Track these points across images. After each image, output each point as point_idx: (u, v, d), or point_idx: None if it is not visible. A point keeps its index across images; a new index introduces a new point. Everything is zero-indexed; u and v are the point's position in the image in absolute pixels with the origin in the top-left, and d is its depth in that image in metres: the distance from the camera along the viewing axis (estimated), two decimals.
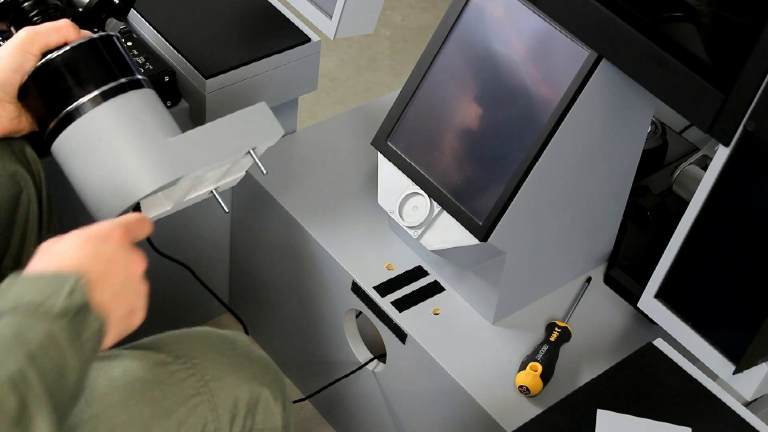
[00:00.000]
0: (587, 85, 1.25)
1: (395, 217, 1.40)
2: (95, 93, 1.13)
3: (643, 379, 1.24)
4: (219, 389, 1.03)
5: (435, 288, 1.48)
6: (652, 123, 1.63)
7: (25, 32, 1.14)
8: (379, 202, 1.42)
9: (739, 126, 1.11)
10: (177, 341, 1.06)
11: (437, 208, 1.36)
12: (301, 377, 1.72)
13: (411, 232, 1.39)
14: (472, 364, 1.39)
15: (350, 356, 1.56)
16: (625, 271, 1.51)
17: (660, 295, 1.26)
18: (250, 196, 1.63)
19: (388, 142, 1.40)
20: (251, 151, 1.21)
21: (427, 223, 1.37)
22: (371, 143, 1.43)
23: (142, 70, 1.24)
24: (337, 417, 1.68)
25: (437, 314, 1.46)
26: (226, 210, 1.27)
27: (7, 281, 0.88)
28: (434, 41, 1.38)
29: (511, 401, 1.35)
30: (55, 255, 0.90)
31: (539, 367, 1.36)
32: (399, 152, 1.39)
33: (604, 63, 1.24)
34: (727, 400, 1.21)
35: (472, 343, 1.42)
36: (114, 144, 1.13)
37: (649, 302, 1.27)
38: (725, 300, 1.19)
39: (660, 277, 1.25)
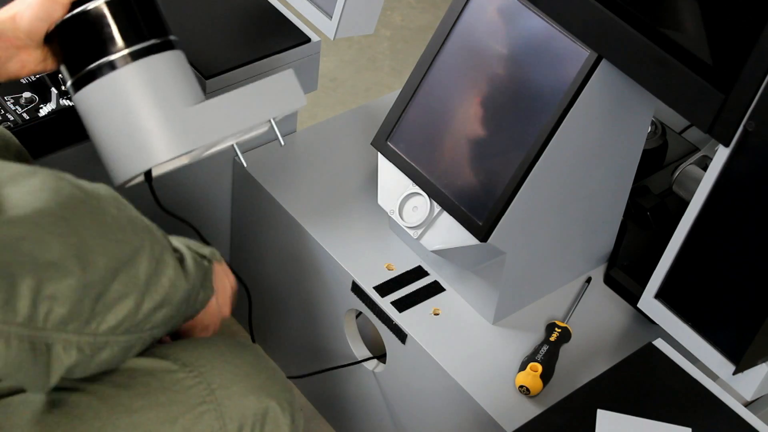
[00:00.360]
0: (587, 85, 1.25)
1: (395, 217, 1.40)
2: (121, 54, 1.11)
3: (643, 379, 1.24)
4: (226, 398, 1.03)
5: (435, 288, 1.48)
6: (652, 123, 1.63)
7: None
8: (379, 202, 1.42)
9: (739, 126, 1.11)
10: (184, 349, 1.05)
11: (437, 208, 1.36)
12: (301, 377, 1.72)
13: (411, 232, 1.39)
14: (472, 364, 1.39)
15: (350, 356, 1.56)
16: (625, 271, 1.51)
17: (660, 295, 1.26)
18: (249, 197, 1.63)
19: (388, 142, 1.40)
20: (271, 120, 1.20)
21: (427, 223, 1.37)
22: (371, 143, 1.43)
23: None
24: (337, 417, 1.68)
25: (437, 314, 1.46)
26: (245, 164, 1.27)
27: None
28: (434, 41, 1.38)
29: (511, 401, 1.35)
30: None
31: (539, 367, 1.36)
32: (399, 152, 1.39)
33: (604, 63, 1.24)
34: (727, 400, 1.21)
35: (472, 343, 1.42)
36: (134, 108, 1.11)
37: (649, 302, 1.27)
38: (725, 300, 1.19)
39: (660, 277, 1.25)
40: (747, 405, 1.34)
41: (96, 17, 1.12)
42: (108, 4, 1.12)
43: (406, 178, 1.39)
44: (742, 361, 1.19)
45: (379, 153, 1.42)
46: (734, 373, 1.20)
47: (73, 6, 1.12)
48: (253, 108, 1.19)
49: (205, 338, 1.08)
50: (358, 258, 1.50)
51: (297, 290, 1.63)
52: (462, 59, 1.36)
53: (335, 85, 2.44)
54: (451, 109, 1.36)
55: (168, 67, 1.13)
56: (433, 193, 1.36)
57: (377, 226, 1.54)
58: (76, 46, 1.13)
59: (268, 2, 1.68)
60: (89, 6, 1.11)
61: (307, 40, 1.63)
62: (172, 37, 1.16)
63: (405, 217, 1.39)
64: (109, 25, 1.12)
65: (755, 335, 1.16)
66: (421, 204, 1.38)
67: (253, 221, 1.66)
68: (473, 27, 1.35)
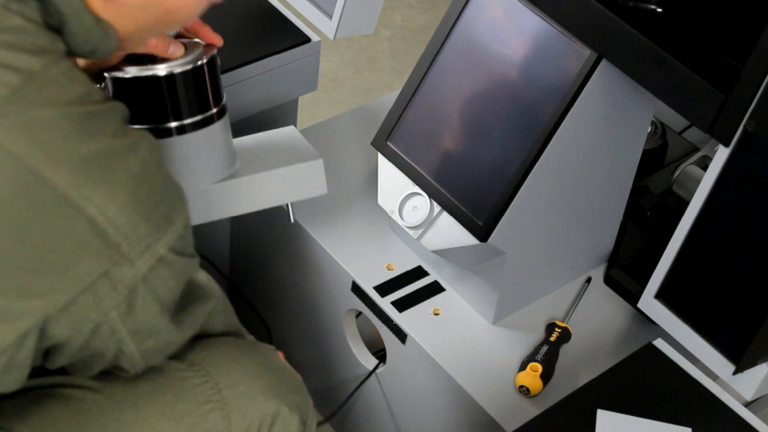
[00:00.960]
0: (587, 85, 1.25)
1: (395, 217, 1.40)
2: (163, 126, 1.13)
3: (643, 379, 1.24)
4: (232, 398, 1.03)
5: (435, 288, 1.48)
6: (652, 123, 1.63)
7: None
8: (379, 202, 1.42)
9: (739, 126, 1.11)
10: (191, 348, 1.05)
11: (437, 208, 1.36)
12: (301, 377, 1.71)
13: (411, 232, 1.39)
14: (472, 364, 1.39)
15: (351, 356, 1.56)
16: (625, 271, 1.51)
17: (660, 295, 1.26)
18: None
19: (388, 142, 1.40)
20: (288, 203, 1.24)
21: (427, 223, 1.37)
22: (371, 143, 1.43)
23: (224, 100, 1.20)
24: (336, 416, 1.68)
25: (437, 314, 1.46)
26: (292, 219, 1.31)
27: None
28: (434, 41, 1.38)
29: (511, 401, 1.35)
30: None
31: (539, 367, 1.36)
32: (399, 152, 1.39)
33: (604, 63, 1.24)
34: (727, 400, 1.21)
35: (472, 343, 1.42)
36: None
37: (649, 302, 1.27)
38: (725, 300, 1.19)
39: (660, 277, 1.25)
40: (747, 405, 1.34)
41: (151, 84, 1.12)
42: (167, 77, 1.12)
43: (406, 178, 1.39)
44: (742, 361, 1.19)
45: (379, 153, 1.42)
46: (734, 373, 1.20)
47: (127, 61, 1.11)
48: (274, 193, 1.24)
49: (215, 338, 1.08)
50: (358, 258, 1.50)
51: (297, 290, 1.63)
52: (462, 59, 1.36)
53: (335, 85, 2.44)
54: (451, 109, 1.36)
55: (203, 143, 1.16)
56: (433, 193, 1.36)
57: (377, 226, 1.54)
58: (121, 99, 1.12)
59: (268, 2, 1.68)
60: (147, 72, 1.11)
61: (307, 40, 1.63)
62: (214, 110, 1.17)
63: (405, 217, 1.39)
64: (159, 97, 1.13)
65: (755, 335, 1.16)
66: (421, 204, 1.38)
67: (253, 221, 1.66)
68: (473, 27, 1.35)
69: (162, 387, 1.00)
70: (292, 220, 1.32)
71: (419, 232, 1.38)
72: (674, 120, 1.67)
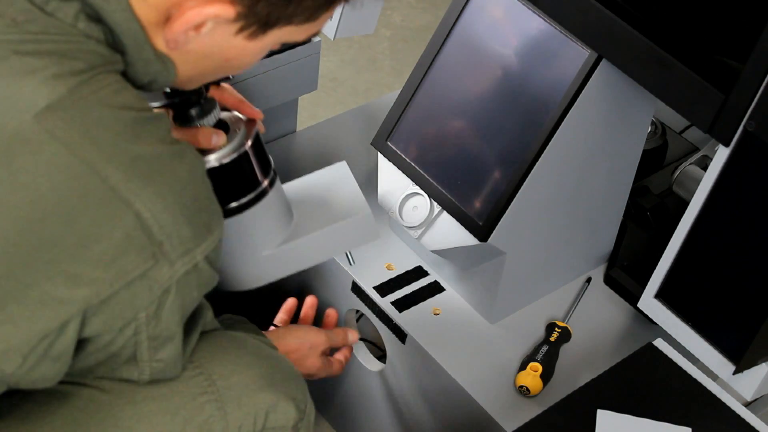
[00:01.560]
0: (587, 85, 1.25)
1: (395, 217, 1.40)
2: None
3: (643, 379, 1.24)
4: (226, 389, 1.03)
5: (435, 288, 1.48)
6: (652, 123, 1.63)
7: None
8: (379, 202, 1.42)
9: (739, 126, 1.11)
10: None
11: (437, 208, 1.36)
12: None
13: (411, 232, 1.39)
14: (472, 364, 1.39)
15: (351, 357, 1.56)
16: (625, 271, 1.51)
17: (660, 295, 1.26)
18: None
19: (388, 142, 1.40)
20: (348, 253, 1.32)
21: (427, 223, 1.37)
22: (371, 143, 1.43)
23: (272, 167, 1.24)
24: (336, 416, 1.68)
25: (437, 314, 1.46)
26: (352, 263, 1.41)
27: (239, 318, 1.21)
28: (434, 41, 1.38)
29: (511, 401, 1.35)
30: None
31: (539, 367, 1.36)
32: (399, 152, 1.39)
33: (604, 63, 1.24)
34: (727, 400, 1.21)
35: (472, 343, 1.42)
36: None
37: (649, 302, 1.27)
38: (725, 300, 1.19)
39: (660, 277, 1.25)
40: (747, 405, 1.34)
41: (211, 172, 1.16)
42: (218, 168, 1.15)
43: (406, 178, 1.39)
44: (742, 361, 1.19)
45: (379, 153, 1.42)
46: (734, 373, 1.20)
47: None
48: (329, 248, 1.30)
49: (206, 333, 1.08)
50: (358, 258, 1.50)
51: (297, 290, 1.63)
52: (462, 59, 1.36)
53: (335, 85, 2.44)
54: (451, 109, 1.36)
55: (260, 215, 1.20)
56: (433, 193, 1.36)
57: (377, 226, 1.54)
58: None
59: None
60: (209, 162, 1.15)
61: (307, 39, 1.63)
62: (266, 183, 1.20)
63: (405, 217, 1.39)
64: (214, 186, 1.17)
65: (755, 335, 1.16)
66: (421, 204, 1.38)
67: None
68: (473, 27, 1.35)
69: (157, 381, 1.01)
70: (352, 264, 1.40)
71: (419, 232, 1.38)
72: (674, 120, 1.67)
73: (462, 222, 1.33)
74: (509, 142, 1.30)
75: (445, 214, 1.36)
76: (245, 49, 0.95)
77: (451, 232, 1.35)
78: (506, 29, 1.32)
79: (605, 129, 1.33)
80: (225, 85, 1.24)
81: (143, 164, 0.86)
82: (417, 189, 1.38)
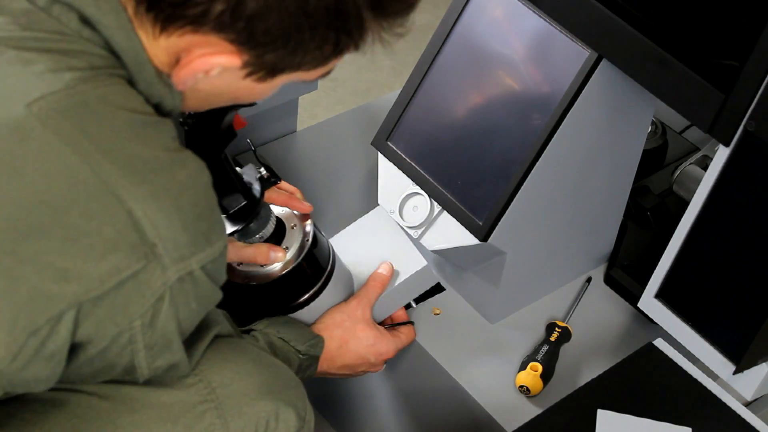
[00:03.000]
0: (587, 85, 1.25)
1: (395, 217, 1.40)
2: (286, 306, 1.29)
3: (643, 379, 1.24)
4: (226, 397, 1.03)
5: (435, 288, 1.48)
6: (652, 123, 1.63)
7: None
8: (379, 202, 1.42)
9: (739, 126, 1.11)
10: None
11: (437, 208, 1.36)
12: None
13: (411, 232, 1.39)
14: (472, 364, 1.39)
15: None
16: (625, 271, 1.50)
17: (660, 295, 1.26)
18: None
19: (388, 142, 1.40)
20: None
21: (427, 223, 1.37)
22: (371, 143, 1.43)
23: (330, 250, 1.33)
24: (336, 416, 1.68)
25: (437, 314, 1.45)
26: (414, 306, 1.46)
27: (287, 318, 1.28)
28: (434, 41, 1.38)
29: (511, 401, 1.35)
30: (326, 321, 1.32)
31: (539, 367, 1.36)
32: (399, 152, 1.39)
33: (604, 63, 1.24)
34: (727, 400, 1.21)
35: (472, 343, 1.42)
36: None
37: (649, 302, 1.27)
38: (725, 300, 1.19)
39: (660, 277, 1.25)
40: (747, 405, 1.34)
41: (272, 286, 1.26)
42: (283, 276, 1.25)
43: (406, 178, 1.39)
44: (742, 361, 1.19)
45: (379, 153, 1.42)
46: (734, 373, 1.20)
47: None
48: (395, 304, 1.41)
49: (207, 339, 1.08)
50: None
51: None
52: (462, 59, 1.36)
53: (335, 85, 2.44)
54: (451, 108, 1.36)
55: (327, 296, 1.31)
56: (433, 193, 1.36)
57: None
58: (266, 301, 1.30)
59: None
60: (267, 278, 1.25)
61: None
62: (327, 269, 1.30)
63: (405, 217, 1.39)
64: (284, 289, 1.28)
65: (755, 335, 1.16)
66: (421, 204, 1.38)
67: None
68: (473, 27, 1.35)
69: (156, 388, 1.00)
70: (414, 306, 1.45)
71: (419, 232, 1.38)
72: (674, 120, 1.67)
73: (462, 222, 1.33)
74: (509, 142, 1.30)
75: (445, 214, 1.36)
76: (254, 90, 0.95)
77: (451, 232, 1.35)
78: (506, 29, 1.32)
79: (605, 129, 1.33)
80: (282, 184, 1.29)
81: (139, 163, 0.85)
82: (417, 189, 1.38)
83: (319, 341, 1.28)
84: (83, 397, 0.99)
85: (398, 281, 1.38)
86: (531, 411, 1.32)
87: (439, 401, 1.43)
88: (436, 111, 1.37)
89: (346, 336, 1.31)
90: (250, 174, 1.22)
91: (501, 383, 1.37)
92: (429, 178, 1.36)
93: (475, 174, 1.33)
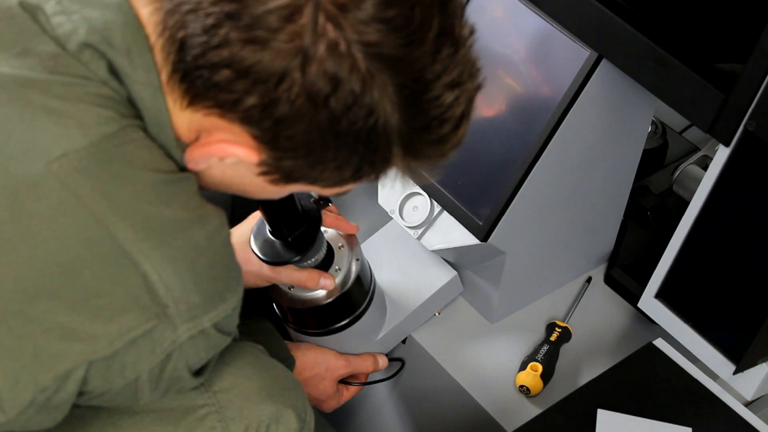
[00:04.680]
0: (587, 85, 1.25)
1: (395, 217, 1.40)
2: (333, 327, 1.31)
3: (643, 379, 1.24)
4: (227, 401, 1.02)
5: None
6: (652, 123, 1.63)
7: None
8: (380, 202, 1.42)
9: (739, 126, 1.11)
10: None
11: (437, 208, 1.36)
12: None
13: (411, 232, 1.39)
14: (472, 364, 1.39)
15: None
16: (625, 271, 1.51)
17: (660, 295, 1.26)
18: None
19: None
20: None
21: (427, 223, 1.37)
22: None
23: (372, 286, 1.34)
24: (336, 416, 1.68)
25: (437, 314, 1.45)
26: (437, 314, 1.48)
27: (263, 325, 1.25)
28: None
29: (511, 401, 1.35)
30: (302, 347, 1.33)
31: (539, 367, 1.36)
32: None
33: (604, 63, 1.24)
34: (727, 400, 1.21)
35: (472, 343, 1.42)
36: (342, 341, 1.35)
37: (649, 302, 1.27)
38: (725, 300, 1.19)
39: (660, 277, 1.25)
40: (747, 405, 1.34)
41: (328, 307, 1.28)
42: (338, 299, 1.27)
43: (407, 178, 1.39)
44: (742, 361, 1.19)
45: None
46: (734, 373, 1.20)
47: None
48: (426, 313, 1.42)
49: None
50: None
51: None
52: None
53: None
54: None
55: (369, 318, 1.33)
56: (433, 193, 1.36)
57: (377, 226, 1.54)
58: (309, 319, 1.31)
59: None
60: (325, 300, 1.27)
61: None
62: (371, 289, 1.32)
63: (405, 217, 1.39)
64: (335, 311, 1.30)
65: (755, 335, 1.16)
66: (421, 204, 1.38)
67: None
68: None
69: None
70: (438, 314, 1.47)
71: (419, 232, 1.38)
72: (674, 120, 1.67)
73: (462, 222, 1.33)
74: (509, 142, 1.30)
75: (445, 214, 1.36)
76: (265, 189, 0.92)
77: (451, 232, 1.35)
78: (506, 29, 1.32)
79: (605, 129, 1.33)
80: (330, 207, 1.29)
81: (157, 226, 0.83)
82: (417, 189, 1.38)
83: (291, 362, 1.28)
84: None
85: (430, 294, 1.40)
86: (531, 411, 1.32)
87: (439, 401, 1.43)
88: None
89: (312, 381, 1.33)
90: (304, 197, 1.21)
91: (501, 383, 1.37)
92: (429, 178, 1.36)
93: (475, 174, 1.33)
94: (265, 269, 1.23)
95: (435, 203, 1.36)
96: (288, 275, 1.24)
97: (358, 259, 1.28)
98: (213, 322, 0.88)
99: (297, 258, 1.20)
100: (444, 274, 1.41)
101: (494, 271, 1.39)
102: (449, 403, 1.41)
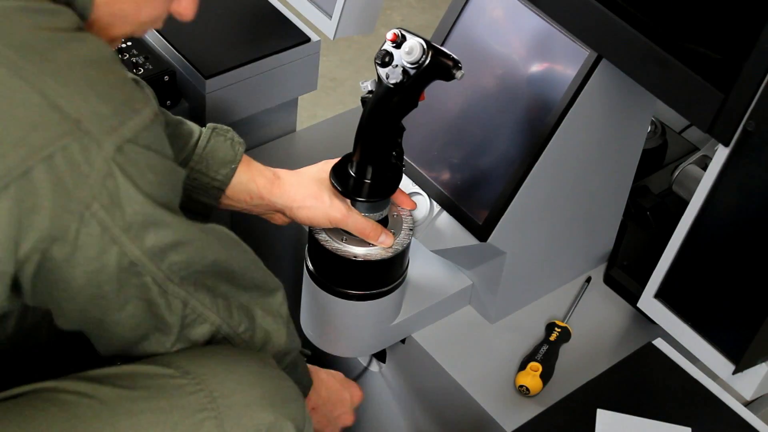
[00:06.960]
0: (587, 85, 1.25)
1: None
2: (357, 293, 1.31)
3: (643, 379, 1.24)
4: (227, 407, 1.02)
5: None
6: (652, 123, 1.63)
7: (338, 213, 1.25)
8: None
9: (738, 126, 1.11)
10: (186, 357, 1.04)
11: (437, 208, 1.36)
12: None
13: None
14: (472, 364, 1.39)
15: (351, 357, 1.56)
16: (625, 271, 1.51)
17: (660, 295, 1.26)
18: None
19: None
20: None
21: (427, 223, 1.37)
22: None
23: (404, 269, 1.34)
24: None
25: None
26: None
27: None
28: (434, 41, 1.38)
29: (511, 401, 1.35)
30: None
31: (539, 367, 1.36)
32: None
33: (604, 63, 1.24)
34: (727, 400, 1.21)
35: (472, 343, 1.42)
36: (350, 321, 1.35)
37: (649, 302, 1.27)
38: (725, 300, 1.19)
39: (660, 277, 1.25)
40: (747, 405, 1.34)
41: (381, 263, 1.28)
42: (392, 259, 1.28)
43: (406, 177, 1.39)
44: (742, 361, 1.19)
45: None
46: (734, 373, 1.20)
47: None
48: (433, 317, 1.42)
49: (210, 346, 1.08)
50: None
51: (298, 290, 1.62)
52: (462, 59, 1.36)
53: (335, 85, 2.44)
54: (450, 108, 1.36)
55: (396, 294, 1.33)
56: (433, 193, 1.36)
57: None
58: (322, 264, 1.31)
59: (268, 2, 1.68)
60: (383, 255, 1.27)
61: (307, 39, 1.63)
62: (405, 270, 1.33)
63: None
64: (384, 270, 1.30)
65: (755, 335, 1.16)
66: (421, 204, 1.38)
67: (253, 221, 1.66)
68: (473, 27, 1.35)
69: (156, 394, 1.00)
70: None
71: (419, 232, 1.38)
72: (674, 120, 1.67)
73: (462, 222, 1.33)
74: (509, 142, 1.30)
75: (445, 214, 1.36)
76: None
77: (451, 232, 1.35)
78: (506, 29, 1.32)
79: (605, 129, 1.33)
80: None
81: (38, 44, 0.85)
82: (417, 189, 1.38)
83: (308, 383, 1.30)
84: (83, 399, 0.99)
85: (440, 298, 1.40)
86: (531, 411, 1.32)
87: (439, 401, 1.43)
88: (435, 111, 1.37)
89: (329, 397, 1.36)
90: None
91: (501, 383, 1.37)
92: (429, 178, 1.36)
93: (475, 174, 1.33)
94: (335, 210, 1.25)
95: (435, 203, 1.36)
96: (355, 220, 1.25)
97: (411, 230, 1.30)
98: (134, 133, 0.88)
99: (374, 201, 1.23)
100: (458, 282, 1.42)
101: (494, 271, 1.39)
102: (448, 403, 1.41)
